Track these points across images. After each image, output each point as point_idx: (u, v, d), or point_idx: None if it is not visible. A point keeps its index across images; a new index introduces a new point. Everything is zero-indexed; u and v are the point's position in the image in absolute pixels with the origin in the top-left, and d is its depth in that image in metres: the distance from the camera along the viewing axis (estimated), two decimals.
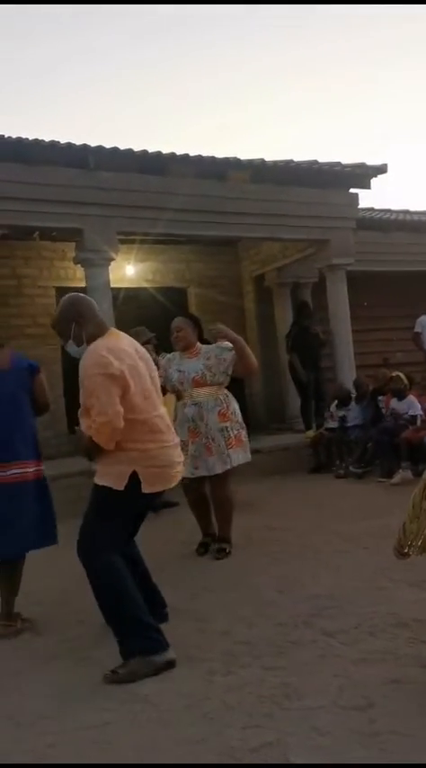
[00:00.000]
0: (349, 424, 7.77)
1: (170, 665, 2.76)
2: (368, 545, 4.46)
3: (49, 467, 7.09)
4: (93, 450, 2.89)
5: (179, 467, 3.05)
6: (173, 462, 3.00)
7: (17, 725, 2.46)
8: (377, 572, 3.82)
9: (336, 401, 8.09)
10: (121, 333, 3.10)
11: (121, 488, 2.83)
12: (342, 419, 7.87)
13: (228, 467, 4.51)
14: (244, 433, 4.71)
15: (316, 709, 2.35)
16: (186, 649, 2.92)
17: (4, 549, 3.45)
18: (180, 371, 4.62)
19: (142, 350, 3.10)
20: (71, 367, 3.13)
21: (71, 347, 3.03)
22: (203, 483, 4.66)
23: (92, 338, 2.94)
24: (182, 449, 4.51)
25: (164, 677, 2.71)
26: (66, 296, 3.13)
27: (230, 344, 4.55)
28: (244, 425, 4.76)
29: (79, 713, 2.49)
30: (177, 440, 3.12)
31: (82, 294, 3.19)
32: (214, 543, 4.68)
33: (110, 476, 2.86)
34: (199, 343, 4.70)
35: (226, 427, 4.54)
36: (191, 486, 4.62)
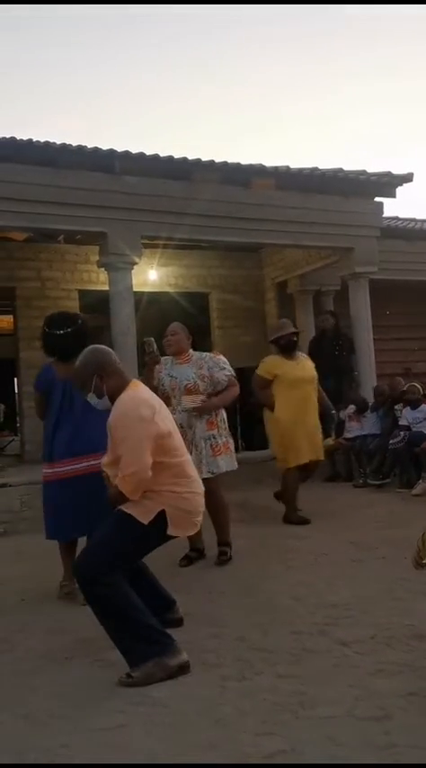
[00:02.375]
0: (364, 433, 7.72)
1: (184, 669, 2.76)
2: (385, 555, 4.42)
3: None
4: (119, 499, 2.90)
5: (200, 516, 3.06)
6: (198, 510, 3.03)
7: (31, 724, 2.46)
8: (394, 582, 3.79)
9: (351, 409, 8.04)
10: (141, 384, 3.12)
11: (145, 522, 2.84)
12: (341, 425, 7.89)
13: (211, 474, 4.46)
14: (231, 441, 4.72)
15: (331, 718, 2.33)
16: (200, 654, 2.92)
17: (76, 531, 3.86)
18: (171, 377, 4.58)
19: (159, 400, 3.14)
20: None
21: (92, 399, 3.06)
22: None
23: (114, 390, 2.97)
24: None
25: (178, 681, 2.70)
26: (88, 348, 3.14)
27: (224, 362, 4.65)
28: (230, 435, 4.77)
29: (93, 715, 2.49)
30: (202, 489, 3.09)
31: (103, 346, 3.21)
32: (199, 557, 4.67)
33: (137, 507, 2.87)
34: (191, 350, 4.70)
35: (213, 435, 4.56)
36: None
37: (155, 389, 4.40)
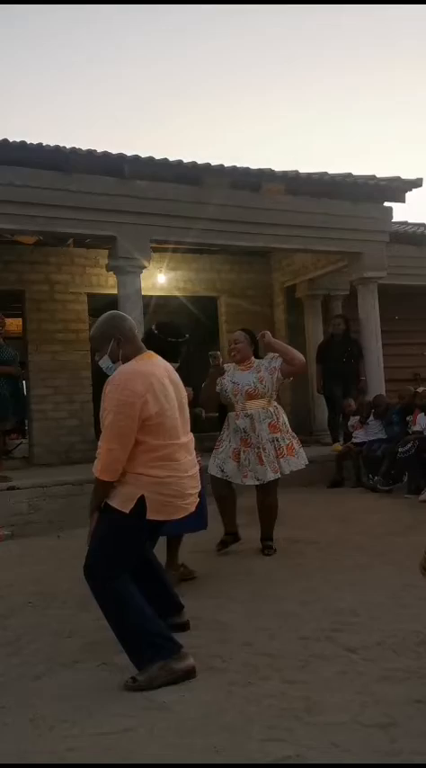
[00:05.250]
0: (369, 439, 7.71)
1: (190, 674, 2.75)
2: (393, 561, 4.40)
3: (76, 472, 7.21)
4: (96, 489, 2.86)
5: (191, 498, 2.99)
6: (185, 494, 2.93)
7: (37, 728, 2.46)
8: (401, 589, 3.77)
9: (357, 416, 8.05)
10: (157, 356, 3.05)
11: (127, 511, 2.78)
12: (348, 434, 7.93)
13: (279, 475, 4.73)
14: (295, 441, 4.90)
15: (338, 725, 2.32)
16: (207, 659, 2.92)
17: (175, 528, 3.74)
18: (234, 383, 4.85)
19: (175, 375, 3.07)
20: (100, 374, 3.16)
21: (105, 362, 3.01)
22: (231, 483, 4.87)
23: (128, 358, 2.94)
24: (234, 457, 4.77)
25: (184, 686, 2.69)
26: (109, 312, 3.11)
27: (277, 353, 4.80)
28: (295, 435, 4.98)
29: (99, 719, 2.49)
30: (194, 471, 3.04)
31: (123, 313, 3.20)
32: (233, 542, 4.91)
33: (118, 497, 2.82)
34: (253, 357, 4.93)
35: (277, 438, 4.76)
36: (221, 483, 4.81)
37: (216, 396, 4.86)
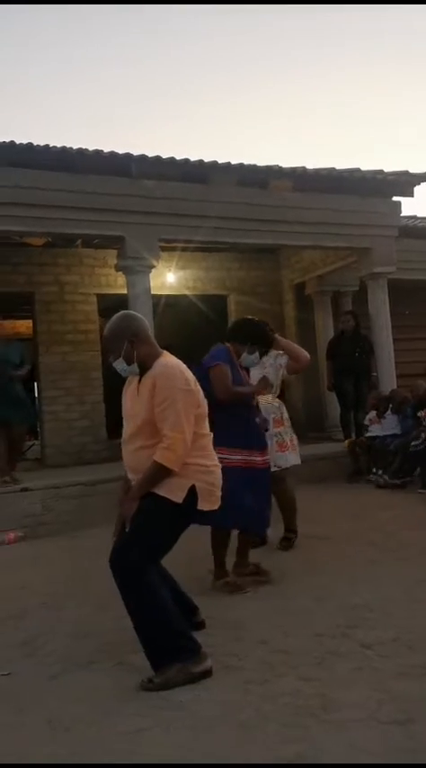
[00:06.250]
0: (385, 433, 7.68)
1: (206, 674, 2.74)
2: (406, 557, 4.38)
3: (89, 472, 7.22)
4: (156, 477, 2.79)
5: (220, 490, 3.03)
6: (220, 484, 2.99)
7: (53, 729, 2.47)
8: (415, 584, 3.76)
9: (374, 410, 8.03)
10: (170, 354, 3.08)
11: (179, 501, 2.78)
12: (362, 427, 7.94)
13: (280, 468, 4.76)
14: (295, 438, 5.04)
15: (354, 722, 2.31)
16: (222, 658, 2.91)
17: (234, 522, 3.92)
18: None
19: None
20: (111, 374, 3.15)
21: (120, 364, 2.98)
22: None
23: (145, 359, 2.93)
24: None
25: (201, 685, 2.69)
26: (121, 313, 3.11)
27: (281, 351, 4.88)
28: (294, 432, 5.08)
29: (115, 718, 2.49)
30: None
31: (135, 313, 3.22)
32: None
33: (168, 486, 2.79)
34: None
35: (280, 432, 4.85)
36: None
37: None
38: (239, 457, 3.93)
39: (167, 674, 2.69)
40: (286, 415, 5.00)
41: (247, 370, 4.43)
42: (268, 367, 4.90)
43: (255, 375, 4.81)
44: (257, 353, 4.29)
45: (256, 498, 3.97)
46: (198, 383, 2.99)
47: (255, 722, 2.37)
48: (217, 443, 3.41)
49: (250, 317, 4.72)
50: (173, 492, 2.78)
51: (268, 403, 4.84)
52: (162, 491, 2.78)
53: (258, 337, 4.31)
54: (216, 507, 2.96)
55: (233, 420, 3.93)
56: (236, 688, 2.65)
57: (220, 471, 3.00)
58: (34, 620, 3.75)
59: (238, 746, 2.22)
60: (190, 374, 2.92)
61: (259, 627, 3.31)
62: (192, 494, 2.81)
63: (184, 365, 2.97)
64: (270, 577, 4.10)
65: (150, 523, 2.79)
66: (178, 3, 19.22)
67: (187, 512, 2.82)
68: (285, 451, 4.83)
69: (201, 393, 2.98)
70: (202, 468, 2.86)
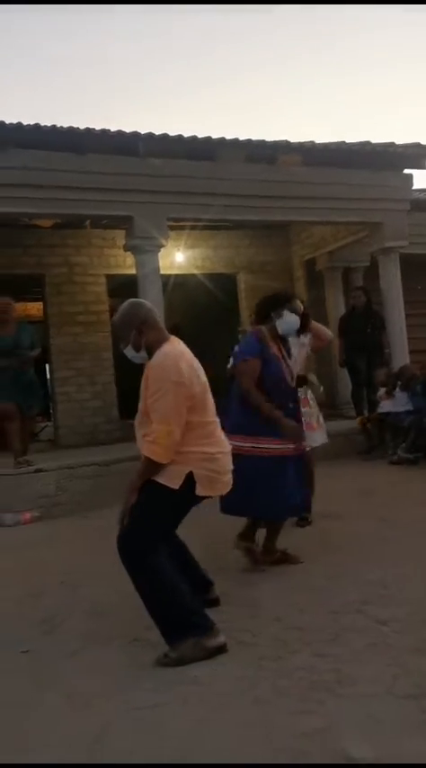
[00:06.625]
0: (396, 410, 7.66)
1: (221, 650, 2.78)
2: (420, 532, 4.39)
3: (102, 452, 7.27)
4: (148, 470, 2.85)
5: (230, 474, 3.05)
6: (227, 469, 3.01)
7: (73, 704, 2.52)
8: None
9: (383, 387, 8.01)
10: (179, 340, 3.10)
11: (176, 488, 2.83)
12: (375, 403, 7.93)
13: (308, 448, 4.72)
14: (321, 417, 5.08)
15: (370, 696, 2.33)
16: (237, 634, 2.94)
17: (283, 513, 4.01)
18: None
19: (195, 359, 3.13)
20: (122, 355, 3.19)
21: (130, 351, 3.05)
22: None
23: (152, 345, 2.96)
24: None
25: (216, 661, 2.73)
26: (129, 301, 3.14)
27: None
28: (320, 412, 5.12)
29: (132, 694, 2.53)
30: (230, 448, 3.10)
31: (143, 301, 3.25)
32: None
33: (166, 474, 2.85)
34: None
35: (306, 412, 4.83)
36: None
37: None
38: (276, 446, 3.85)
39: (182, 649, 2.73)
40: (311, 394, 4.98)
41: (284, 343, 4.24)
42: (293, 347, 4.89)
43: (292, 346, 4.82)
44: (290, 313, 4.09)
45: (296, 484, 3.95)
46: (201, 370, 2.99)
47: (270, 697, 2.40)
48: (259, 434, 3.67)
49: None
50: (171, 479, 2.84)
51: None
52: (160, 478, 2.85)
53: (283, 298, 4.18)
54: (220, 493, 3.03)
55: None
56: (251, 664, 2.68)
57: (227, 458, 3.00)
58: (52, 598, 3.81)
59: (254, 721, 2.25)
60: (188, 364, 2.89)
61: (273, 604, 3.34)
62: (192, 480, 2.85)
63: (185, 353, 2.96)
64: (300, 561, 4.01)
65: (150, 510, 2.86)
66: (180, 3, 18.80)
67: (187, 497, 2.87)
68: (311, 431, 4.80)
69: (202, 381, 2.95)
70: (203, 456, 2.89)
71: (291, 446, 3.92)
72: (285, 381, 4.01)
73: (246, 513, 4.06)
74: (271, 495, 3.84)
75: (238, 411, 3.94)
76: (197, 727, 2.24)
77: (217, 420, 3.06)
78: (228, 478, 3.02)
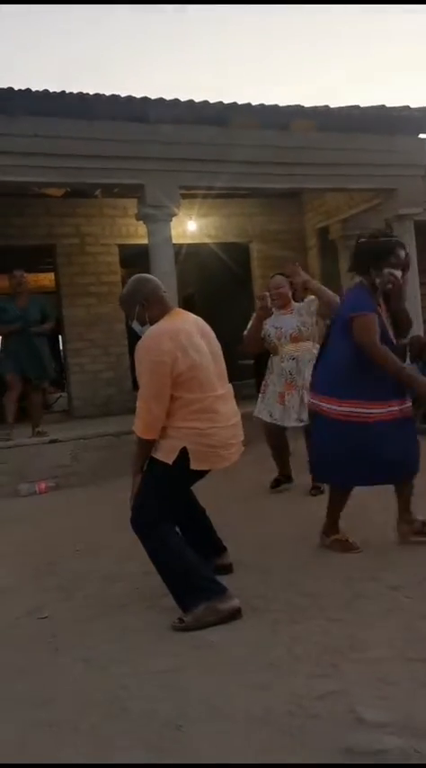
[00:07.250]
0: None
1: (235, 614, 2.82)
2: None
3: (116, 423, 7.31)
4: (138, 446, 3.00)
5: (233, 447, 3.05)
6: (227, 443, 3.00)
7: (91, 668, 2.57)
8: None
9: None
10: (185, 312, 3.17)
11: (170, 462, 2.90)
12: None
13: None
14: None
15: (382, 660, 2.36)
16: (251, 600, 2.98)
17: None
18: (276, 328, 4.94)
19: (207, 328, 3.13)
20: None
21: (136, 326, 3.18)
22: (284, 430, 5.07)
23: (155, 319, 3.04)
24: (280, 401, 4.90)
25: (230, 626, 2.77)
26: (134, 277, 3.20)
27: (313, 297, 4.83)
28: None
29: (150, 658, 2.58)
30: (236, 419, 3.08)
31: (148, 276, 3.28)
32: (286, 482, 5.20)
33: (161, 449, 2.94)
34: (293, 302, 5.01)
35: None
36: (275, 432, 5.03)
37: (261, 341, 4.93)
38: (380, 410, 3.48)
39: (196, 613, 2.79)
40: None
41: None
42: (304, 314, 4.93)
43: (293, 323, 4.90)
44: (390, 273, 3.61)
45: (403, 446, 3.61)
46: (192, 348, 2.91)
47: (285, 661, 2.44)
48: (358, 397, 3.42)
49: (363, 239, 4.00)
50: (166, 454, 2.93)
51: (306, 351, 4.84)
52: (157, 454, 2.96)
53: (383, 251, 3.73)
54: (220, 467, 3.02)
55: (374, 372, 3.46)
56: (266, 629, 2.72)
57: (226, 431, 2.97)
58: (69, 565, 3.87)
59: (269, 684, 2.28)
60: (175, 340, 2.87)
61: (287, 571, 3.37)
62: (186, 455, 2.90)
63: (179, 330, 2.93)
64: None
65: (152, 484, 2.97)
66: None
67: (185, 471, 2.93)
68: None
69: (194, 358, 2.90)
70: (194, 431, 2.90)
71: (396, 408, 3.55)
72: (390, 338, 3.61)
73: (401, 477, 3.72)
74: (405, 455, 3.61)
75: (348, 374, 3.51)
76: (215, 691, 2.28)
77: (221, 393, 3.02)
78: (230, 452, 3.02)
